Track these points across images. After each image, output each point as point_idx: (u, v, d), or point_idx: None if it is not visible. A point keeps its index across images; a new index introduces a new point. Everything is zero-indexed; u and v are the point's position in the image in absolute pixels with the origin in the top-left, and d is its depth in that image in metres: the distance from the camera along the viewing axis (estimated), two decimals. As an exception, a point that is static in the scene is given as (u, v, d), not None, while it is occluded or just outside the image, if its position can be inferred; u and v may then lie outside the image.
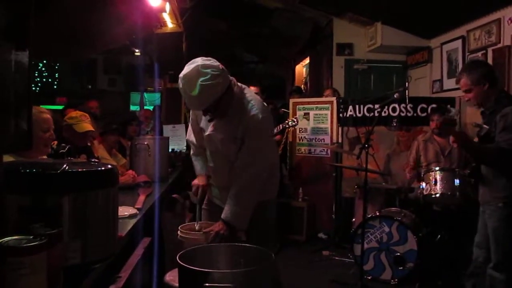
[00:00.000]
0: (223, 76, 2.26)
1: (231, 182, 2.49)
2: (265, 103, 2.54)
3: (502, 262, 3.08)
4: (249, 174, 2.43)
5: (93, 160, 1.92)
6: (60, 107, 7.70)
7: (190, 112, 2.67)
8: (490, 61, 4.73)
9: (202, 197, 2.66)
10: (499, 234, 3.08)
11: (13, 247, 1.07)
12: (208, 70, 2.19)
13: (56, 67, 10.79)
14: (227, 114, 2.41)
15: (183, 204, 4.19)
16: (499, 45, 4.67)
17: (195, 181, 2.67)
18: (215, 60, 2.29)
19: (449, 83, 5.69)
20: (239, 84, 2.48)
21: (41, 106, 3.63)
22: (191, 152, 2.79)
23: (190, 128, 2.73)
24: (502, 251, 3.08)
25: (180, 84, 2.25)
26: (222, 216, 2.44)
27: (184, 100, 2.39)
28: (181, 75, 2.25)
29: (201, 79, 2.17)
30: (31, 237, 1.11)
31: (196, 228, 2.57)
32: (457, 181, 3.77)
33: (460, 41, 5.42)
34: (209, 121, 2.44)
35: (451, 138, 3.11)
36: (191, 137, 2.72)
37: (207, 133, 2.51)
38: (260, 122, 2.38)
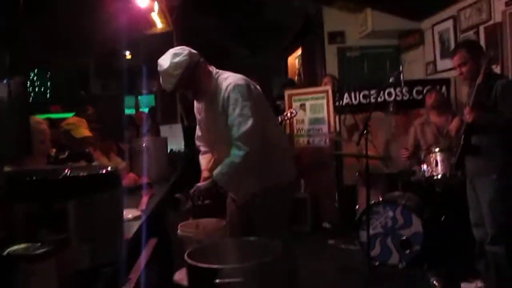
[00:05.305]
0: (190, 51, 2.56)
1: None
2: (247, 78, 2.66)
3: (498, 234, 3.10)
4: (237, 135, 2.47)
5: (94, 164, 1.90)
6: (54, 116, 7.66)
7: (195, 111, 2.88)
8: (482, 38, 4.72)
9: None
10: (495, 206, 3.10)
11: (22, 255, 1.06)
12: (177, 47, 2.59)
13: (48, 76, 10.73)
14: (205, 92, 2.61)
15: (185, 203, 4.18)
16: (491, 22, 4.65)
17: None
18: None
19: (443, 64, 5.68)
20: (218, 70, 2.69)
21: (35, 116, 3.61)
22: (200, 153, 2.96)
23: (196, 132, 2.96)
24: (498, 223, 3.10)
25: (158, 67, 2.54)
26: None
27: (163, 86, 2.61)
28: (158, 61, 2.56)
29: (171, 51, 2.55)
30: (39, 244, 1.10)
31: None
32: (457, 161, 3.77)
33: (451, 21, 5.40)
34: (195, 99, 2.73)
35: (466, 109, 3.14)
36: (198, 136, 2.94)
37: (200, 118, 2.79)
38: (233, 89, 2.52)
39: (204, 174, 2.77)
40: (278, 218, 2.70)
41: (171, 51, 2.54)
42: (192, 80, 2.55)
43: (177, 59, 2.48)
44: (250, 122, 2.46)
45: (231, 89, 2.52)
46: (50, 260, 1.08)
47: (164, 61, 2.51)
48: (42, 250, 1.08)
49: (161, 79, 2.56)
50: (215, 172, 2.54)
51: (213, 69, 2.67)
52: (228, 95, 2.52)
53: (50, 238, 1.13)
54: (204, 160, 2.89)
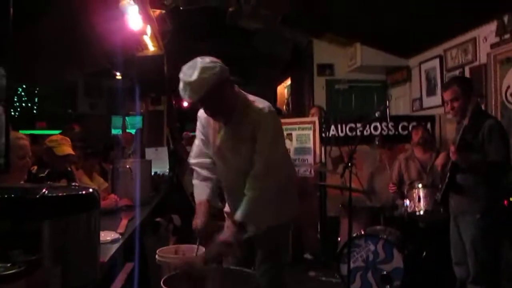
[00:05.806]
0: (222, 67, 2.30)
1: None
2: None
3: (480, 274, 3.10)
4: (263, 163, 2.33)
5: (73, 184, 1.88)
6: (38, 132, 7.59)
7: (196, 131, 2.63)
8: (467, 79, 4.83)
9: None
10: (477, 245, 3.11)
11: (-10, 276, 1.03)
12: (208, 59, 2.29)
13: (36, 91, 10.65)
14: (228, 112, 2.38)
15: (166, 227, 4.14)
16: (476, 63, 4.78)
17: (195, 221, 2.46)
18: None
19: (429, 101, 5.79)
20: (241, 90, 2.49)
21: (20, 131, 3.57)
22: (195, 176, 2.62)
23: (197, 149, 2.65)
24: (481, 262, 3.10)
25: (181, 74, 2.26)
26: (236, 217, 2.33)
27: (182, 95, 2.30)
28: (182, 67, 2.29)
29: (201, 62, 2.24)
30: (9, 264, 1.07)
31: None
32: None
33: (437, 60, 5.53)
34: (214, 118, 2.43)
35: (451, 148, 3.16)
36: (200, 156, 2.63)
37: (217, 144, 2.48)
38: (266, 115, 2.38)
39: (200, 215, 2.44)
40: (283, 250, 2.64)
41: (201, 63, 2.24)
42: (217, 97, 2.27)
43: (206, 75, 2.20)
44: (275, 156, 2.40)
45: (264, 114, 2.38)
46: (21, 281, 1.05)
47: (191, 72, 2.21)
48: (12, 271, 1.05)
49: (181, 87, 2.26)
50: (239, 214, 2.29)
51: (238, 88, 2.45)
52: (260, 119, 2.35)
53: (22, 259, 1.09)
54: (203, 188, 2.55)
